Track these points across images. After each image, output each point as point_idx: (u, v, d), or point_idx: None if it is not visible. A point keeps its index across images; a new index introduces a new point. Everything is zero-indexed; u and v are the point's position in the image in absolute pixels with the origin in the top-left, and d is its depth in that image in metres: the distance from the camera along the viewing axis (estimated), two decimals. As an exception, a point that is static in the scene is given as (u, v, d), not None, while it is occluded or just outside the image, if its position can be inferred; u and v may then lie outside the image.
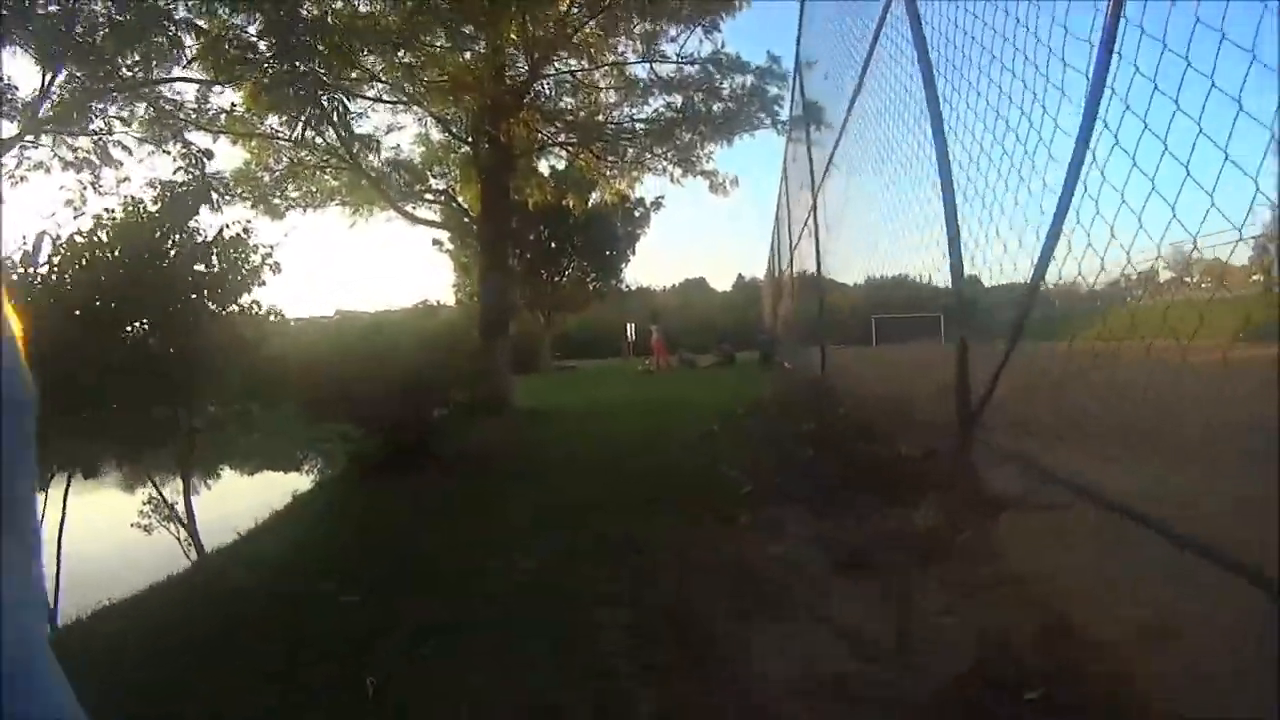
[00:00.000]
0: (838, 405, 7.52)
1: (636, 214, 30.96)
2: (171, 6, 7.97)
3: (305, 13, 7.89)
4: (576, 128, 12.24)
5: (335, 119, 9.60)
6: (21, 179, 9.96)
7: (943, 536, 3.24)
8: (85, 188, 10.61)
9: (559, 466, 6.35)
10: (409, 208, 12.15)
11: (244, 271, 6.03)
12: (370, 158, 11.71)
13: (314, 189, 12.52)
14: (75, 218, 5.04)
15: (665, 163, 13.05)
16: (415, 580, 3.47)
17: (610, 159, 13.47)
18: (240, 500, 7.89)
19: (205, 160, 7.66)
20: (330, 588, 3.35)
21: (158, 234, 5.34)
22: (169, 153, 9.61)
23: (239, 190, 11.32)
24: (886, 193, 5.36)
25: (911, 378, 6.03)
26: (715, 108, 11.95)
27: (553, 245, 30.13)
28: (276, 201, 12.58)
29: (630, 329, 35.27)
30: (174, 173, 6.79)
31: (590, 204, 29.91)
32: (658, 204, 31.04)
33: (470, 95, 9.56)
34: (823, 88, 9.70)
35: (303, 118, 8.04)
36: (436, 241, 29.79)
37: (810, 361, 12.58)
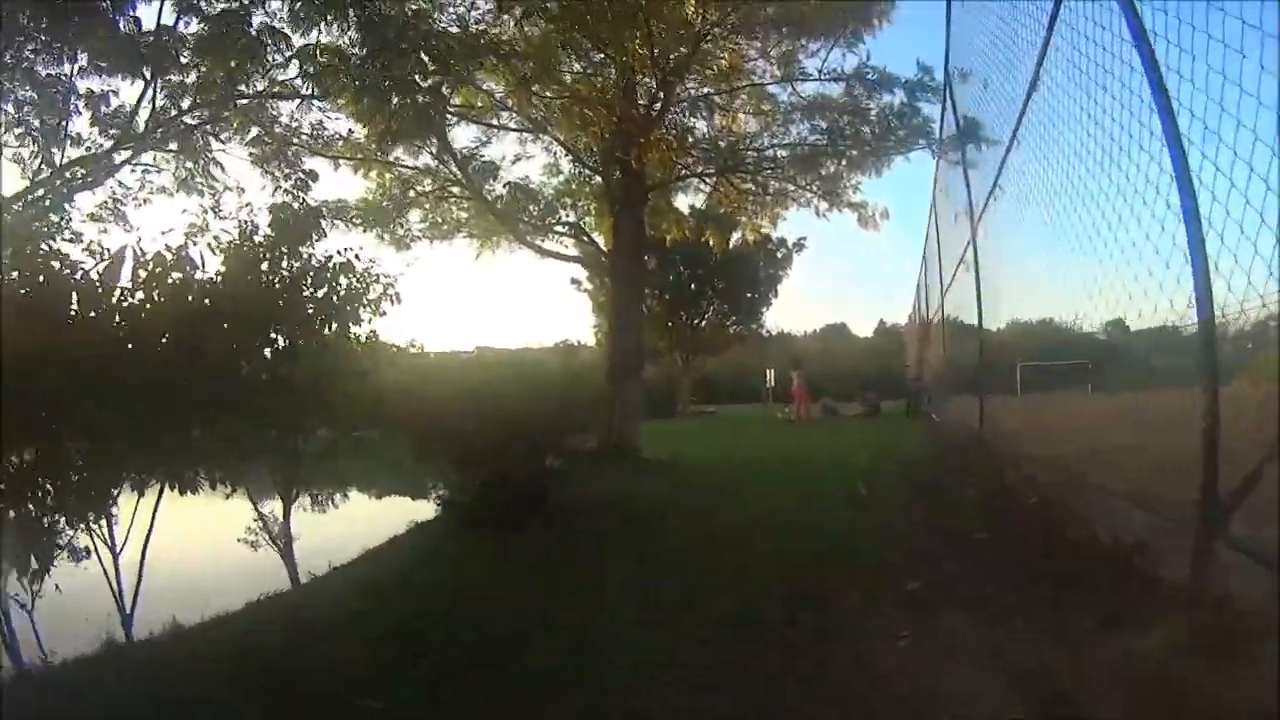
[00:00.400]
0: (1003, 468, 6.32)
1: (779, 255, 30.02)
2: (252, 13, 7.83)
3: (404, 19, 7.58)
4: (714, 157, 11.63)
5: (439, 137, 9.41)
6: (145, 200, 10.18)
7: (1193, 682, 2.19)
8: (206, 211, 10.92)
9: (676, 534, 5.56)
10: (539, 241, 11.91)
11: (356, 300, 5.67)
12: (493, 186, 11.53)
13: (439, 219, 12.51)
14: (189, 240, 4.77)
15: (810, 194, 12.17)
16: (469, 663, 2.79)
17: (751, 191, 12.74)
18: (344, 528, 7.63)
19: (310, 183, 7.53)
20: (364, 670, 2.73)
21: (266, 258, 5.06)
22: (273, 174, 9.63)
23: (355, 217, 11.38)
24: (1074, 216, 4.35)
25: (1089, 435, 5.16)
26: (863, 130, 10.99)
27: (692, 286, 29.60)
28: (402, 233, 12.65)
29: (770, 374, 34.10)
30: (273, 194, 6.61)
31: (731, 243, 29.56)
32: (800, 245, 30.05)
33: (596, 116, 9.17)
34: (981, 100, 8.63)
35: (394, 126, 7.64)
36: (575, 280, 29.99)
37: (964, 414, 11.20)
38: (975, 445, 8.13)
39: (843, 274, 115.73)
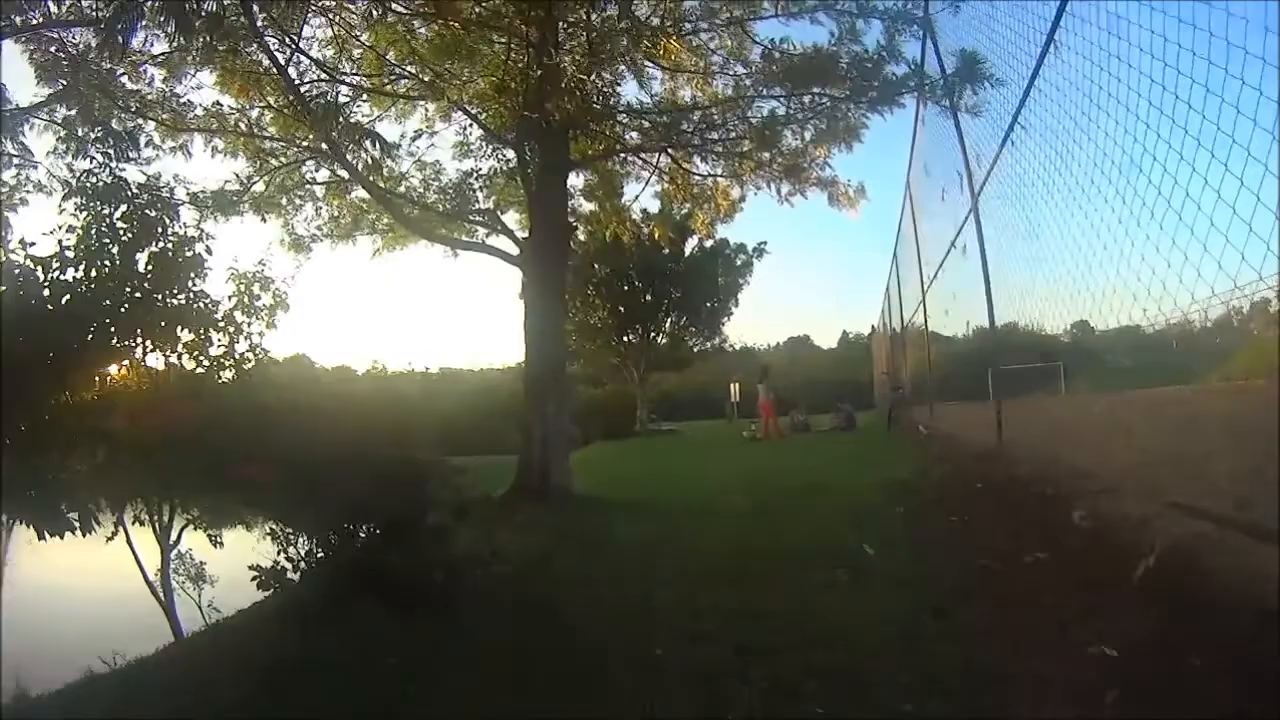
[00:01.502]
0: (1061, 502, 4.42)
1: (738, 262, 28.23)
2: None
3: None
4: (653, 129, 9.71)
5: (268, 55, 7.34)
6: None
7: None
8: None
9: (592, 631, 3.55)
10: (454, 234, 9.74)
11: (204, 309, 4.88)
12: (374, 158, 9.46)
13: (336, 213, 10.39)
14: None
15: (771, 174, 10.28)
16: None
17: (700, 175, 10.85)
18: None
19: (129, 153, 5.48)
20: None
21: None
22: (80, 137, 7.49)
23: (208, 203, 9.19)
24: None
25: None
26: (832, 89, 9.10)
27: (648, 297, 27.62)
28: (301, 231, 10.55)
29: (734, 389, 32.38)
30: (79, 175, 4.75)
31: (687, 249, 27.79)
32: (760, 250, 28.33)
33: (494, 73, 7.24)
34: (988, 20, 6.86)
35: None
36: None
37: (963, 425, 9.37)
38: (996, 465, 6.24)
39: (803, 284, 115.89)
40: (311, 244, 10.79)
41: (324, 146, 8.25)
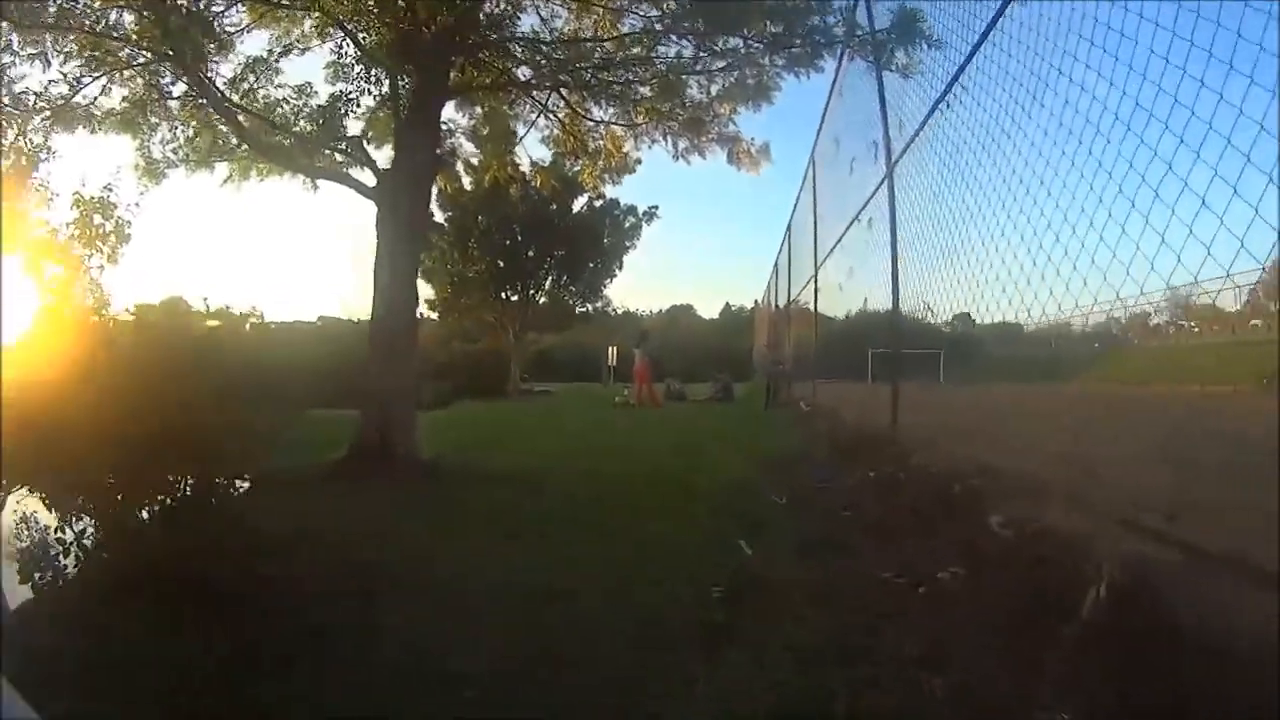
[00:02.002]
0: (956, 494, 4.00)
1: (626, 224, 27.39)
2: None
3: None
4: (546, 65, 8.71)
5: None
6: None
7: None
8: None
9: (412, 622, 2.76)
10: (315, 163, 8.41)
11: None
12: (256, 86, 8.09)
13: (190, 133, 8.79)
14: None
15: (669, 126, 9.52)
16: None
17: (592, 119, 9.98)
18: None
19: None
20: None
21: None
22: None
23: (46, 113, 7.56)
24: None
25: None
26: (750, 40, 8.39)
27: (529, 254, 26.37)
28: (156, 155, 8.87)
29: (612, 352, 31.83)
30: None
31: (576, 208, 26.72)
32: (650, 214, 27.54)
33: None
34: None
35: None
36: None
37: (852, 404, 9.10)
38: (888, 450, 5.85)
39: (690, 251, 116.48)
40: (167, 170, 9.14)
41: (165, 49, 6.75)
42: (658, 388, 18.92)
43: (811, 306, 13.02)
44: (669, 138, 9.97)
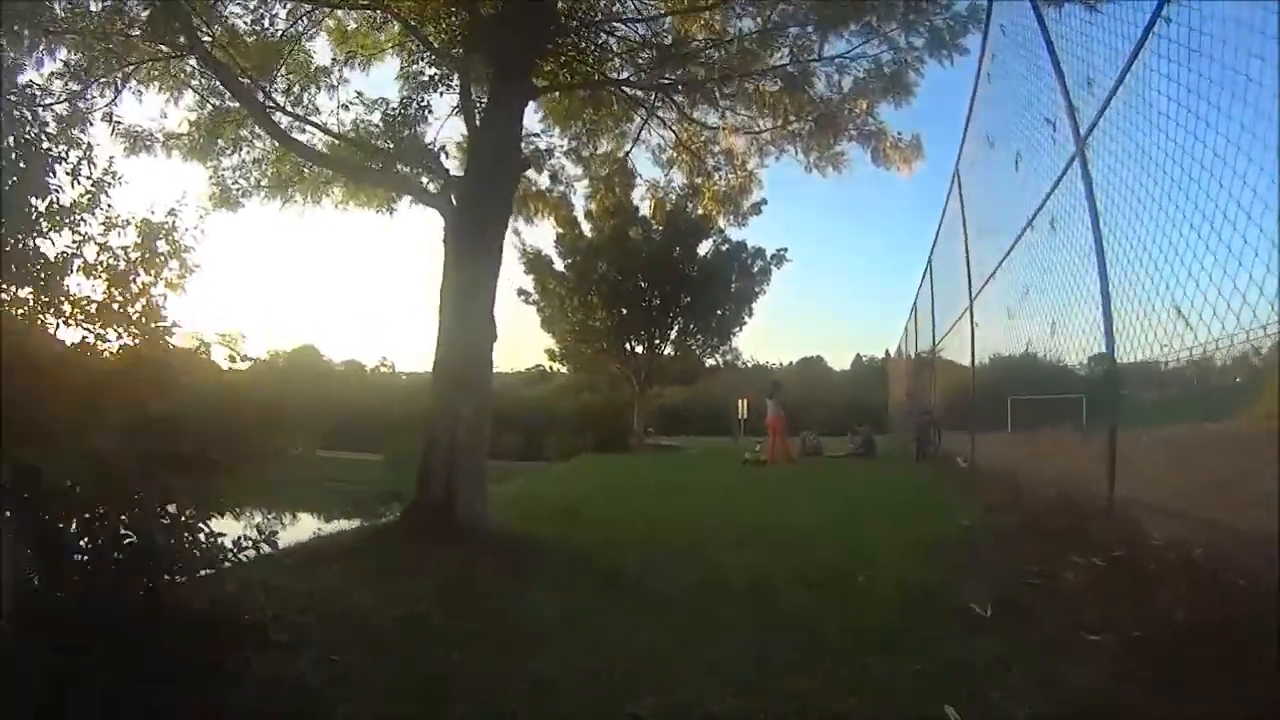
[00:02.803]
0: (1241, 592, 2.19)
1: (754, 269, 25.83)
2: None
3: None
4: (645, 62, 7.49)
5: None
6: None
7: None
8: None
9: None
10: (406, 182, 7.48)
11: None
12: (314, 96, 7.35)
13: (264, 164, 8.18)
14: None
15: (798, 126, 8.04)
16: None
17: (706, 126, 8.67)
18: None
19: None
20: None
21: None
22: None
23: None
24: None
25: None
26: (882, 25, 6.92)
27: (656, 301, 25.23)
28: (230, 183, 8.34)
29: (742, 404, 30.09)
30: None
31: (702, 253, 25.44)
32: (780, 257, 25.85)
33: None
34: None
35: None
36: (522, 291, 25.54)
37: (1037, 461, 7.13)
38: (1110, 529, 3.96)
39: (818, 300, 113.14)
40: (242, 198, 8.59)
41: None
42: (792, 442, 17.02)
43: (968, 343, 10.93)
44: (798, 144, 8.48)
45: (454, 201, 6.09)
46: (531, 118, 9.81)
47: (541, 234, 30.21)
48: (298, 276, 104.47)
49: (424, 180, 7.18)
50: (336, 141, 7.44)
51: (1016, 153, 7.37)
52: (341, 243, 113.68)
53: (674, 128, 9.07)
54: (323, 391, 34.99)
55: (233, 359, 3.87)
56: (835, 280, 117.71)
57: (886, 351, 35.44)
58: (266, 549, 3.27)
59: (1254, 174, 3.06)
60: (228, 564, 3.11)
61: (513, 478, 11.60)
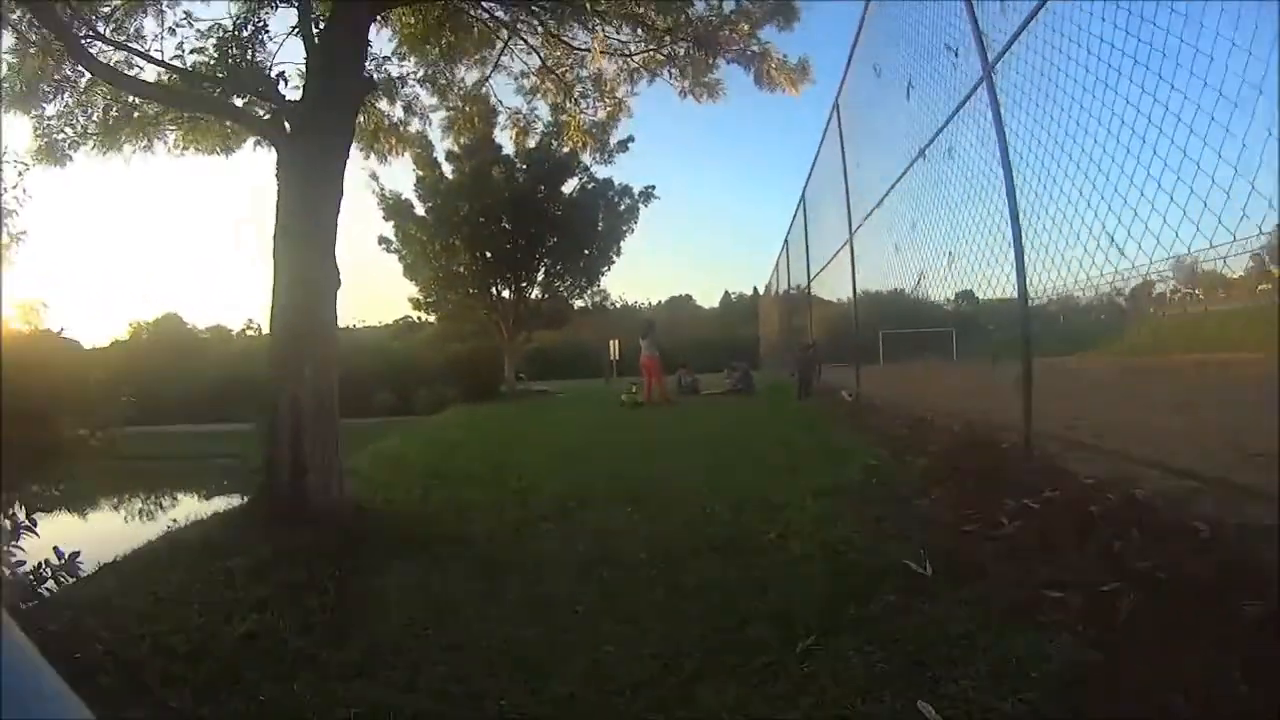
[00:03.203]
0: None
1: (621, 207, 25.12)
2: None
3: None
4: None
5: None
6: None
7: None
8: None
9: None
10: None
11: None
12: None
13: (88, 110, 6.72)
14: None
15: (674, 49, 7.40)
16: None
17: (574, 47, 7.91)
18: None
19: None
20: None
21: None
22: None
23: None
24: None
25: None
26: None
27: (522, 243, 24.12)
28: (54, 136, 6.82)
29: (614, 346, 29.91)
30: None
31: (568, 191, 24.44)
32: (648, 195, 25.22)
33: None
34: None
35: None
36: (383, 239, 23.93)
37: (931, 396, 7.14)
38: (1026, 467, 3.76)
39: (684, 238, 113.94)
40: (69, 149, 7.04)
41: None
42: (668, 381, 16.82)
43: (848, 277, 10.88)
44: (674, 66, 7.87)
45: (288, 129, 5.10)
46: (386, 45, 8.72)
47: (403, 178, 28.35)
48: (156, 242, 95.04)
49: (259, 112, 6.07)
50: (165, 74, 6.19)
51: (908, 81, 7.10)
52: (196, 201, 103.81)
53: (540, 52, 8.24)
54: (188, 363, 32.00)
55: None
56: (702, 219, 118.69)
57: (755, 289, 36.07)
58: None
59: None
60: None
61: (385, 435, 10.71)
